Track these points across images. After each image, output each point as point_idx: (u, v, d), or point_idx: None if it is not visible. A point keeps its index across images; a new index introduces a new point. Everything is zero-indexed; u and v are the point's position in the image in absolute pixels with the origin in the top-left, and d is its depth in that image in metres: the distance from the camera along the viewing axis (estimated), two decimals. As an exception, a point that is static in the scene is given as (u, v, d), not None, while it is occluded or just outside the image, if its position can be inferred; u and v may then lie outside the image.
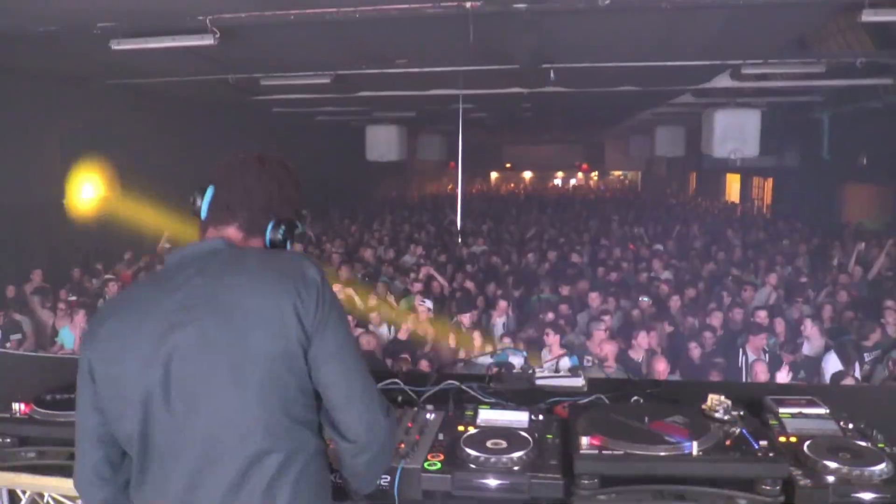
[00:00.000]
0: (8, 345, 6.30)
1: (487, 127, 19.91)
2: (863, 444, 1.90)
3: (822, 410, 2.15)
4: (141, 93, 10.46)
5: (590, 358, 5.72)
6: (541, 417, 2.12)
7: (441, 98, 11.24)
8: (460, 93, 7.87)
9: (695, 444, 1.75)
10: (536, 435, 1.99)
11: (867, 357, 6.43)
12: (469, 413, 2.18)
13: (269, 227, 1.67)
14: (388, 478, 1.84)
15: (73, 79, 9.09)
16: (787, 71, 9.63)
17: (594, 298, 7.98)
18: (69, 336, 6.57)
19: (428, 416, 2.19)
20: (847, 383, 5.39)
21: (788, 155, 16.66)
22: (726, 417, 1.91)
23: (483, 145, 27.37)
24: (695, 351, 6.54)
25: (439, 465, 1.86)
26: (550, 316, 7.22)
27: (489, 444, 1.93)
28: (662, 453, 1.76)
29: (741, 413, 1.97)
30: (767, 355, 6.53)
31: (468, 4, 5.28)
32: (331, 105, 13.58)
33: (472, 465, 1.86)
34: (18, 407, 2.08)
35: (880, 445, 1.90)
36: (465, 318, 7.18)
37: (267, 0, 5.48)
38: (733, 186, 23.50)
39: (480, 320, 7.39)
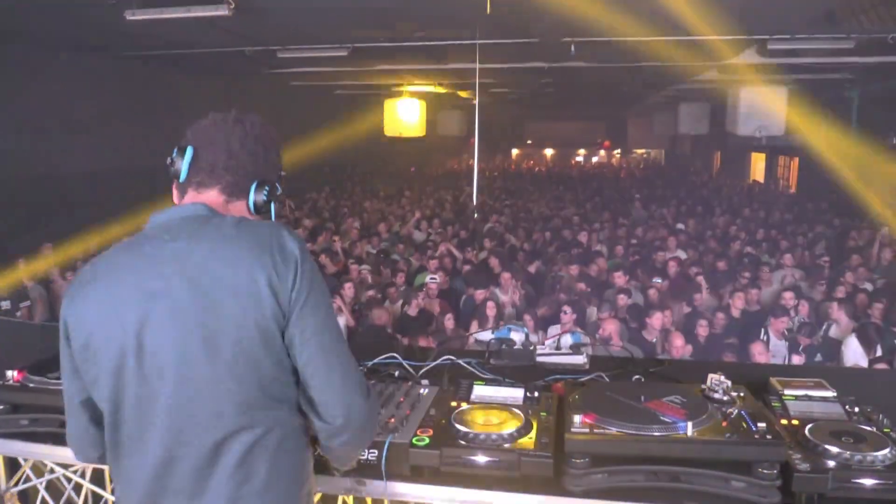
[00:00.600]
0: (18, 313, 6.37)
1: (508, 102, 19.70)
2: (867, 428, 1.84)
3: (829, 393, 2.09)
4: (155, 65, 10.44)
5: (583, 334, 5.61)
6: (536, 394, 2.08)
7: (460, 72, 11.11)
8: (477, 67, 7.76)
9: (690, 424, 1.70)
10: (530, 412, 1.95)
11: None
12: (463, 389, 2.14)
13: (252, 189, 1.61)
14: (376, 452, 1.82)
15: (87, 49, 9.09)
16: (816, 47, 9.33)
17: (618, 277, 7.87)
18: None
19: (421, 391, 2.16)
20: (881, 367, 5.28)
21: (816, 133, 16.27)
22: (725, 398, 1.86)
23: (504, 121, 27.16)
24: (703, 331, 6.44)
25: (428, 441, 1.83)
26: (564, 294, 7.15)
27: (480, 420, 1.90)
28: (656, 433, 1.72)
29: (741, 394, 1.91)
30: (788, 338, 6.43)
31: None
32: (349, 78, 13.49)
33: (462, 442, 1.83)
34: (12, 374, 2.07)
35: (886, 430, 1.83)
36: (479, 295, 7.14)
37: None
38: (758, 165, 23.09)
39: (494, 297, 7.33)
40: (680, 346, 5.74)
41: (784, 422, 1.91)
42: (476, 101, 7.46)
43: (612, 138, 32.89)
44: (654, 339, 6.30)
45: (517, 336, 2.69)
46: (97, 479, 2.63)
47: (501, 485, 1.77)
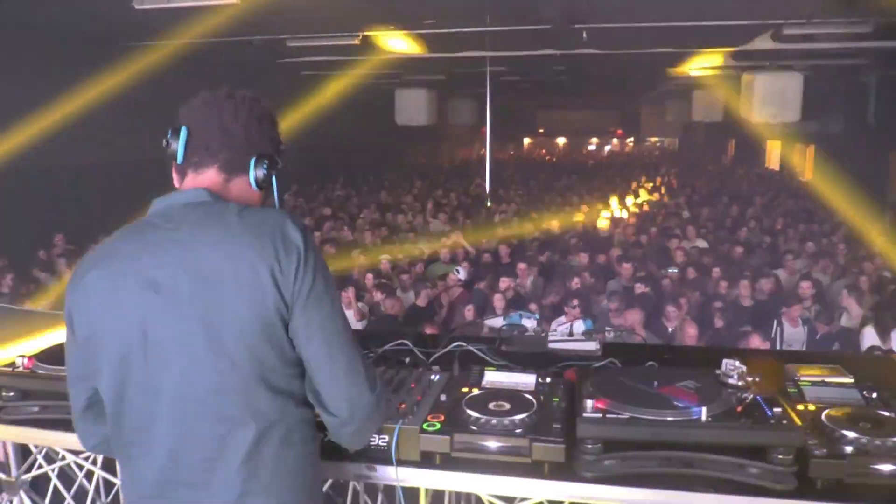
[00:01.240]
0: (28, 302, 6.42)
1: (520, 91, 19.61)
2: (886, 414, 1.80)
3: (846, 379, 2.05)
4: (162, 55, 10.43)
5: (609, 328, 5.62)
6: (548, 380, 2.06)
7: (471, 60, 11.04)
8: (488, 54, 7.70)
9: (704, 409, 1.67)
10: (542, 398, 1.93)
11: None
12: (475, 375, 2.13)
13: (252, 163, 1.58)
14: (387, 438, 1.80)
15: (95, 39, 9.09)
16: (832, 31, 9.18)
17: (627, 269, 7.83)
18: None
19: (432, 377, 2.14)
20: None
21: (832, 121, 16.10)
22: (740, 383, 1.82)
23: (516, 110, 27.04)
24: (718, 319, 6.39)
25: (438, 426, 1.81)
26: (576, 282, 7.12)
27: (492, 405, 1.88)
28: (669, 418, 1.69)
29: (756, 379, 1.87)
30: (806, 327, 6.37)
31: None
32: (360, 68, 13.44)
33: (473, 427, 1.81)
34: (22, 361, 2.08)
35: (904, 416, 1.79)
36: (489, 284, 7.13)
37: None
38: (774, 153, 22.86)
39: (505, 286, 7.30)
40: (694, 335, 5.70)
41: (800, 407, 1.87)
42: (487, 90, 7.40)
43: (624, 127, 32.69)
44: (672, 329, 6.27)
45: (528, 323, 2.66)
46: (109, 465, 2.63)
47: (513, 470, 1.74)
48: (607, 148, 36.43)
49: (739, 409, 1.71)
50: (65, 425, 2.06)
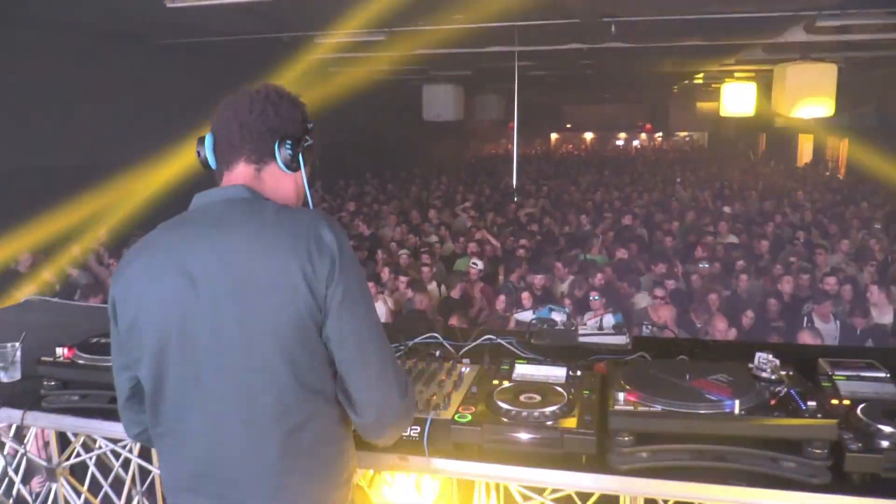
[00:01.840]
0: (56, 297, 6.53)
1: (547, 86, 19.46)
2: (923, 408, 1.77)
3: (881, 374, 2.02)
4: (194, 53, 10.56)
5: (646, 323, 5.62)
6: (579, 373, 2.06)
7: (498, 55, 11.00)
8: (516, 49, 7.67)
9: (737, 402, 1.66)
10: (573, 390, 1.94)
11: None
12: (505, 367, 2.14)
13: (276, 147, 1.59)
14: (419, 429, 1.82)
15: (127, 38, 9.24)
16: (867, 22, 9.00)
17: (659, 265, 7.77)
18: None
19: (463, 369, 2.16)
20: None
21: (867, 114, 15.78)
22: (773, 377, 1.81)
23: (543, 105, 26.90)
24: (748, 315, 6.33)
25: (470, 418, 1.82)
26: (599, 278, 7.09)
27: (523, 397, 1.89)
28: (702, 411, 1.68)
29: (790, 373, 1.86)
30: (838, 322, 6.28)
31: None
32: (387, 64, 13.47)
33: (504, 419, 1.82)
34: (62, 351, 2.13)
35: (942, 411, 1.77)
36: (537, 280, 7.15)
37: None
38: (806, 147, 22.45)
39: (532, 281, 7.31)
40: (723, 329, 5.66)
41: (834, 402, 1.85)
42: (515, 85, 7.38)
43: (653, 121, 32.33)
44: (701, 325, 6.22)
45: (558, 316, 2.66)
46: (145, 454, 2.70)
47: (544, 462, 1.75)
48: (635, 143, 36.08)
49: (773, 402, 1.70)
50: (104, 414, 2.12)
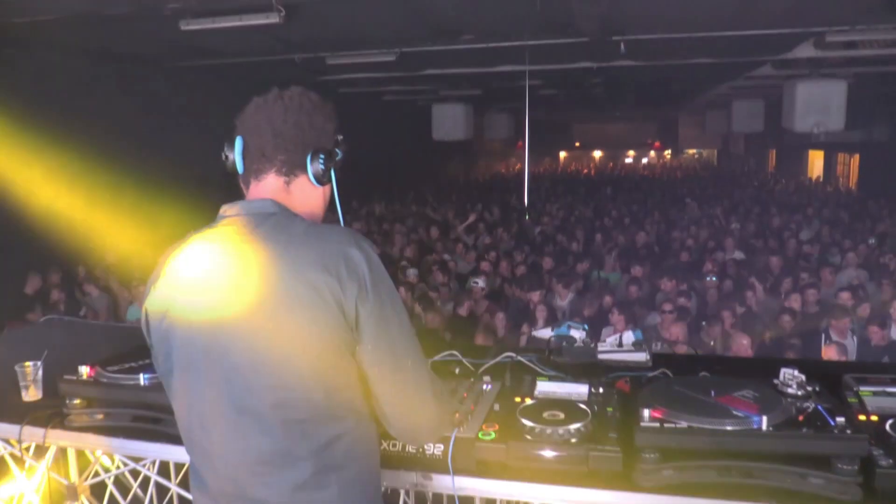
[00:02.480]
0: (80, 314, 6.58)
1: (556, 105, 19.56)
2: (953, 424, 1.75)
3: (908, 389, 2.00)
4: (206, 75, 10.67)
5: (658, 341, 5.59)
6: (601, 390, 2.05)
7: (508, 75, 11.07)
8: (527, 68, 7.72)
9: (764, 418, 1.65)
10: (596, 408, 1.93)
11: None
12: (526, 385, 2.13)
13: (308, 160, 1.56)
14: (442, 447, 1.81)
15: (140, 61, 9.35)
16: (877, 38, 9.01)
17: (666, 282, 7.74)
18: (136, 313, 6.82)
19: (484, 387, 2.15)
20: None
21: (877, 129, 15.75)
22: (800, 393, 1.80)
23: (552, 124, 27.00)
24: (767, 335, 6.29)
25: (494, 435, 1.82)
26: (608, 300, 7.07)
27: (546, 415, 1.88)
28: (729, 427, 1.67)
29: (816, 388, 1.84)
30: (856, 337, 6.22)
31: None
32: (397, 84, 13.58)
33: (528, 437, 1.81)
34: (84, 370, 2.14)
35: (973, 426, 1.75)
36: (535, 297, 7.12)
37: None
38: (816, 163, 22.42)
39: (546, 298, 7.29)
40: (745, 345, 5.62)
41: (862, 417, 1.84)
42: (526, 104, 7.42)
43: (662, 139, 32.37)
44: (713, 342, 6.18)
45: (577, 334, 2.65)
46: (164, 472, 2.69)
47: (569, 480, 1.74)
48: (644, 160, 36.11)
49: (801, 418, 1.69)
50: (125, 433, 2.12)
